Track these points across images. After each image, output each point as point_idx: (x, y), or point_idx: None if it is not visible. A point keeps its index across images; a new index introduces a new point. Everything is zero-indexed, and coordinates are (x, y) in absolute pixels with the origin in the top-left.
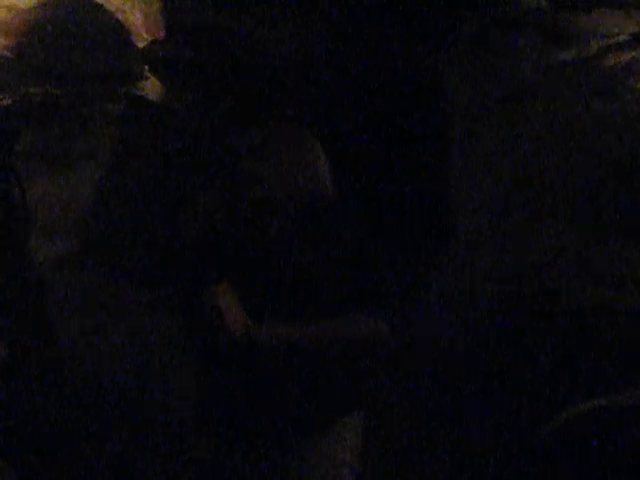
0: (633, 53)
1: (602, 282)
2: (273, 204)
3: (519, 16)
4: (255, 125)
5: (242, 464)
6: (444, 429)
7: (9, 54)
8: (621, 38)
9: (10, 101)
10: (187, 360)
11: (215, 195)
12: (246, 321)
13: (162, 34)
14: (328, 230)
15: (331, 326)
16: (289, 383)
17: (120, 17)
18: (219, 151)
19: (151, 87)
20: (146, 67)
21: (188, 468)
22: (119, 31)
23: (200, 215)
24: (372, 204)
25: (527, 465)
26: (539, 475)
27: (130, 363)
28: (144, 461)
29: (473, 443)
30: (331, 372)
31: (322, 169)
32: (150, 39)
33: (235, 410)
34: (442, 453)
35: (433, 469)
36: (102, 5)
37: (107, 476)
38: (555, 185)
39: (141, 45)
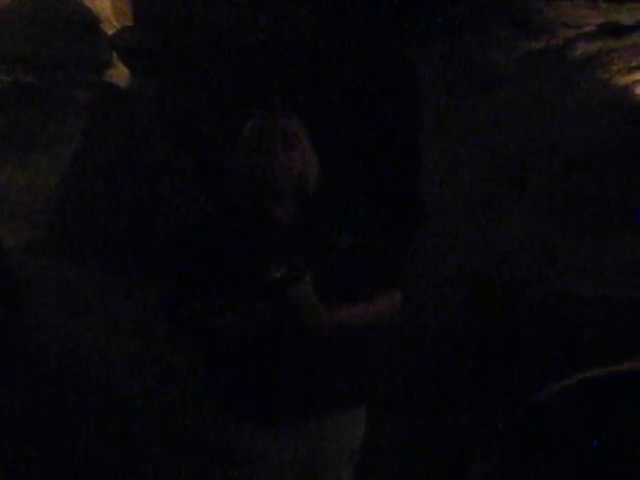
0: (600, 44)
1: (567, 271)
2: (272, 191)
3: (491, 6)
4: (240, 113)
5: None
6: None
7: None
8: (588, 29)
9: None
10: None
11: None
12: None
13: (131, 22)
14: (329, 214)
15: (362, 306)
16: (317, 366)
17: (89, 5)
18: (190, 139)
19: (119, 74)
20: (115, 54)
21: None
22: (88, 19)
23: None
24: (346, 192)
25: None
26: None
27: (103, 344)
28: (120, 441)
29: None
30: (350, 359)
31: (312, 155)
32: (119, 27)
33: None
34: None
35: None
36: None
37: (80, 457)
38: (522, 175)
39: (110, 32)
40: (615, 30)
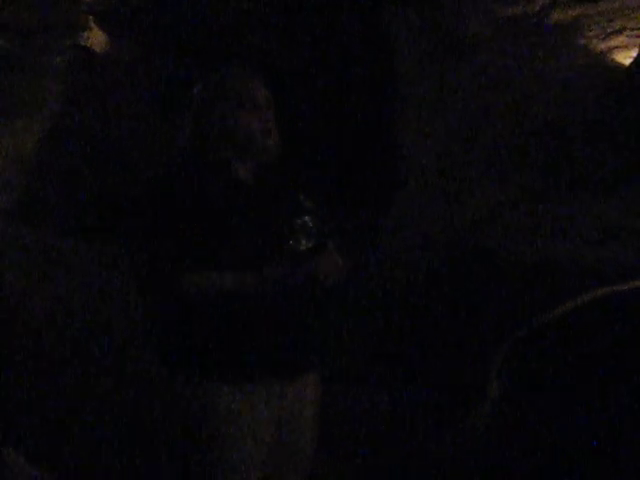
0: (578, 10)
1: (537, 238)
2: (232, 146)
3: None
4: (206, 69)
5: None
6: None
7: None
8: None
9: None
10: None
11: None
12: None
13: None
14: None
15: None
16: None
17: None
18: (167, 97)
19: (96, 38)
20: (91, 18)
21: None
22: None
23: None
24: (318, 155)
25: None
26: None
27: (77, 310)
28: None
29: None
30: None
31: (271, 114)
32: None
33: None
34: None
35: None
36: None
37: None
38: (500, 140)
39: None
40: None
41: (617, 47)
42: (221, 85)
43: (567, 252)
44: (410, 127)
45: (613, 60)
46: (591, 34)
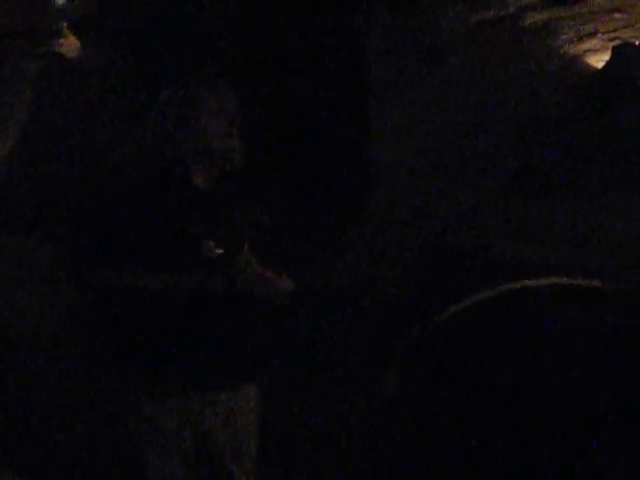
0: (551, 13)
1: (520, 237)
2: (194, 151)
3: None
4: (177, 80)
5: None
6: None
7: None
8: None
9: None
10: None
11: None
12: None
13: None
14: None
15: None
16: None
17: None
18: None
19: (69, 45)
20: (65, 25)
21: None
22: None
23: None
24: (294, 162)
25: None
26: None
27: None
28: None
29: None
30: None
31: (235, 121)
32: None
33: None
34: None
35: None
36: None
37: None
38: (474, 142)
39: (60, 3)
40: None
41: (590, 50)
42: (186, 91)
43: (536, 254)
44: (383, 132)
45: (586, 63)
46: (564, 37)
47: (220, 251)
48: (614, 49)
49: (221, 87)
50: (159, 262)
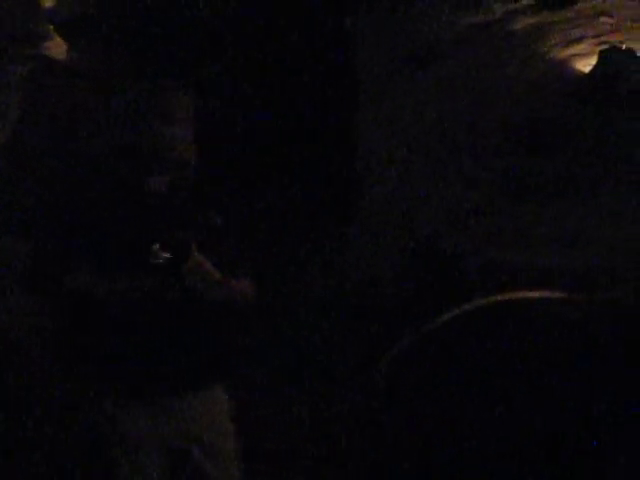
0: (536, 18)
1: (507, 243)
2: (148, 157)
3: None
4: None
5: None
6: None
7: None
8: (525, 2)
9: None
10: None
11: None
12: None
13: None
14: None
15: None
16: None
17: None
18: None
19: (56, 47)
20: (52, 27)
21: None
22: None
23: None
24: (279, 164)
25: None
26: None
27: None
28: None
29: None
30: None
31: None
32: None
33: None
34: None
35: None
36: None
37: None
38: (464, 145)
39: (47, 5)
40: (551, 4)
41: (577, 55)
42: (142, 96)
43: (525, 258)
44: (373, 135)
45: (573, 68)
46: (552, 42)
47: (167, 255)
48: (601, 53)
49: (180, 95)
50: (112, 267)
